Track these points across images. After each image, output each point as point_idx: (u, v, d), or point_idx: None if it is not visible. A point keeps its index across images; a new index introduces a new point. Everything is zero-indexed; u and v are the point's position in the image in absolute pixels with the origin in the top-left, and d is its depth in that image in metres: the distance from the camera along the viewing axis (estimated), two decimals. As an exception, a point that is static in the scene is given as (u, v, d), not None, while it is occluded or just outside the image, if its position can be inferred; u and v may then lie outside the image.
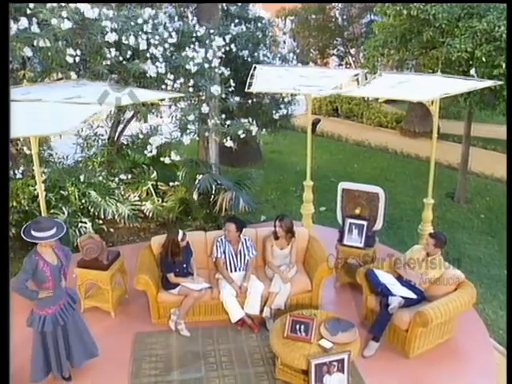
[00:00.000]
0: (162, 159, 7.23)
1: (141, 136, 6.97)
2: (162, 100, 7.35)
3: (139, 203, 7.87)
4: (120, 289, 5.85)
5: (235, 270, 5.58)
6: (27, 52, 5.22)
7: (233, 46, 7.26)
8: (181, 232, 5.31)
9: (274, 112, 8.32)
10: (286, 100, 8.62)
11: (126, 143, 8.21)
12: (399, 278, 5.34)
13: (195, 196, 8.06)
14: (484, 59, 7.38)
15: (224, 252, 5.58)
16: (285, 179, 10.88)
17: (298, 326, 4.61)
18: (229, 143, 6.86)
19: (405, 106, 17.01)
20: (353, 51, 17.64)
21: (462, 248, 7.83)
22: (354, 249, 6.00)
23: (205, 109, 6.29)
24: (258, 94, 8.95)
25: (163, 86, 6.09)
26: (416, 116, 14.68)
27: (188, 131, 6.47)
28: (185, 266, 5.42)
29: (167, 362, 4.91)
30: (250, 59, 7.58)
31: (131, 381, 4.68)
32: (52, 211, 7.03)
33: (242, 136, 6.82)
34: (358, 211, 6.10)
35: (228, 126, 6.77)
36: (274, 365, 4.80)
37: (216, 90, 6.18)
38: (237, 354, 5.03)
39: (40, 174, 5.47)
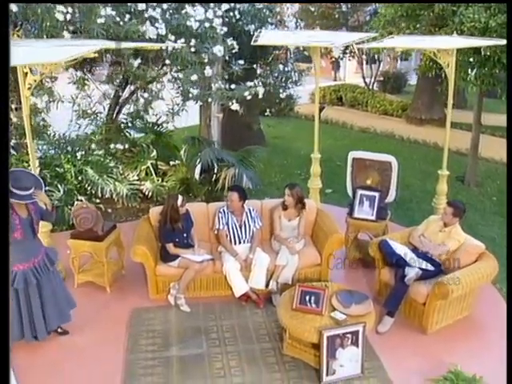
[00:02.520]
0: (164, 126, 6.87)
1: (142, 100, 6.59)
2: (165, 74, 7.02)
3: (138, 183, 7.54)
4: (116, 264, 5.51)
5: (239, 243, 5.23)
6: (13, 7, 4.88)
7: (238, 17, 6.93)
8: (180, 197, 4.96)
9: (280, 91, 8.02)
10: (291, 80, 8.34)
11: (125, 122, 7.91)
12: (415, 250, 4.98)
13: (197, 175, 7.74)
14: (498, 31, 7.06)
15: (227, 223, 5.22)
16: (289, 163, 10.57)
17: (307, 297, 4.26)
18: (234, 106, 6.50)
19: (410, 95, 16.72)
20: (357, 40, 17.31)
21: (475, 228, 7.47)
22: (366, 222, 5.65)
23: (208, 71, 5.94)
24: (262, 74, 8.66)
25: (164, 48, 5.75)
26: (422, 103, 14.46)
27: (190, 95, 6.09)
28: (185, 235, 5.07)
29: (165, 338, 4.57)
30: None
31: (126, 356, 4.34)
32: (47, 188, 6.70)
33: (249, 98, 6.46)
34: (369, 182, 5.76)
35: (233, 90, 6.43)
36: (281, 340, 4.45)
37: (219, 50, 5.83)
38: (241, 330, 4.68)
39: (32, 143, 5.12)
